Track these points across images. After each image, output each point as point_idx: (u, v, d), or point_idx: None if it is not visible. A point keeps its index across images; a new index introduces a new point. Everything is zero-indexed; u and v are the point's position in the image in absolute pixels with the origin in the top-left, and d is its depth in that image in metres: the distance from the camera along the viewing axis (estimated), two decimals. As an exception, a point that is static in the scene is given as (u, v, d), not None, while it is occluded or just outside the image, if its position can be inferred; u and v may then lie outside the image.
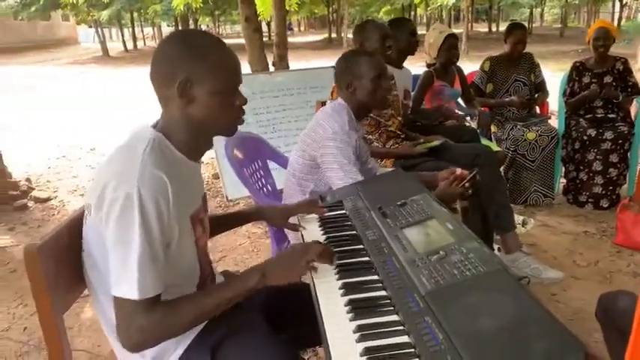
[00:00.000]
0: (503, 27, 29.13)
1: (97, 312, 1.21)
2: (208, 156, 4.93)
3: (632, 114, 3.71)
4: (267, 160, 2.35)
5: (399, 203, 1.41)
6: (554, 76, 7.03)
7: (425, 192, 1.46)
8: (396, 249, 1.19)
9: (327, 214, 1.52)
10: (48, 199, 4.28)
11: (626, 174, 3.57)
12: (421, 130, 2.94)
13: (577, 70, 3.74)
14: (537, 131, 3.52)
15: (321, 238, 1.38)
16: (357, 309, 1.02)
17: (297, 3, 6.66)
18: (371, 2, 29.23)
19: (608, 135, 3.42)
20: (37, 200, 4.23)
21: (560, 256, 2.93)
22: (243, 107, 1.20)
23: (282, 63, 4.47)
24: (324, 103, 2.61)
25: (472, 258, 1.06)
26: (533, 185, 3.61)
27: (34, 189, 4.49)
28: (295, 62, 5.60)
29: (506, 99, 3.68)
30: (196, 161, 1.23)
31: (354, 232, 1.38)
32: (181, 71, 1.10)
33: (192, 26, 33.20)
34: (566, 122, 3.71)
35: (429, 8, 18.27)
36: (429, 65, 3.53)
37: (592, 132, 3.47)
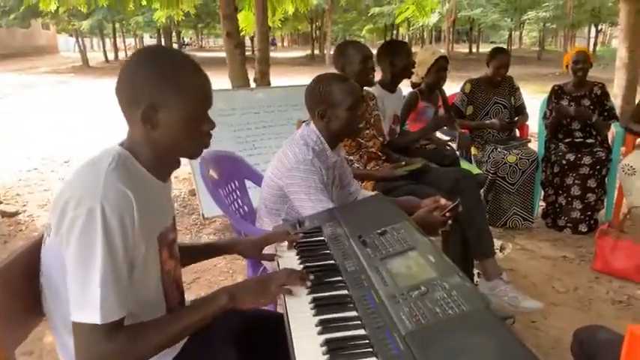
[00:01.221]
0: (483, 48, 29.76)
1: (56, 342, 1.12)
2: (185, 171, 4.83)
3: (610, 139, 3.75)
4: (245, 180, 2.28)
5: (379, 231, 1.36)
6: (533, 98, 7.12)
7: (406, 220, 1.41)
8: (376, 282, 1.13)
9: (304, 239, 1.46)
10: (16, 214, 4.12)
11: (603, 199, 3.59)
12: (403, 152, 2.91)
13: (556, 94, 3.78)
14: (518, 154, 3.52)
15: (298, 268, 1.31)
16: (334, 350, 0.95)
17: (280, 20, 6.64)
18: (353, 20, 29.56)
19: (587, 160, 3.44)
20: (4, 214, 4.07)
21: (539, 282, 2.91)
22: (211, 131, 1.16)
23: (263, 79, 4.42)
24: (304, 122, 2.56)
25: (455, 295, 1.01)
26: (512, 208, 3.60)
27: (1, 202, 4.32)
28: (277, 78, 5.56)
29: (487, 121, 3.69)
30: (164, 181, 1.17)
31: (333, 261, 1.32)
32: (146, 97, 1.04)
33: (175, 39, 33.15)
34: (545, 146, 3.73)
35: (411, 28, 18.52)
36: (414, 85, 3.52)
37: (571, 156, 3.48)
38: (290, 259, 1.38)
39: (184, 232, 3.66)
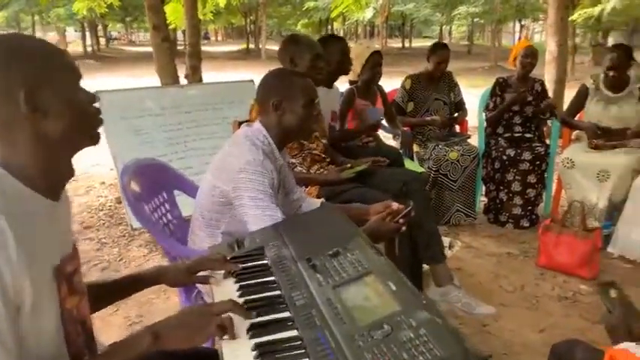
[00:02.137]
0: (416, 43, 30.43)
1: None
2: (112, 176, 4.47)
3: (546, 134, 3.80)
4: (174, 190, 2.03)
5: (330, 253, 1.19)
6: (466, 92, 7.25)
7: (359, 236, 1.25)
8: (331, 319, 0.96)
9: (246, 264, 1.27)
10: None
11: (543, 194, 3.63)
12: (345, 152, 2.76)
13: (500, 86, 3.77)
14: (459, 151, 3.48)
15: (238, 301, 1.12)
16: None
17: (212, 12, 6.33)
18: (288, 15, 29.30)
19: (526, 155, 3.45)
20: None
21: (485, 280, 2.86)
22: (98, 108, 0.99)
23: (195, 75, 4.15)
24: (242, 123, 2.35)
25: (424, 335, 0.85)
26: (455, 205, 3.56)
27: None
28: (211, 73, 5.29)
29: (428, 118, 3.62)
30: (55, 199, 0.95)
31: (279, 292, 1.13)
32: (19, 82, 0.86)
33: (100, 33, 31.48)
34: (486, 141, 3.71)
35: (346, 23, 18.54)
36: (351, 82, 3.38)
37: (511, 152, 3.48)
38: (227, 289, 1.19)
39: (112, 245, 3.34)
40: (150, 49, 4.40)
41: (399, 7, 16.76)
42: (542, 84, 3.75)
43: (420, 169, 3.16)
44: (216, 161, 1.70)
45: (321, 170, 2.38)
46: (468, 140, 3.67)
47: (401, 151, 3.41)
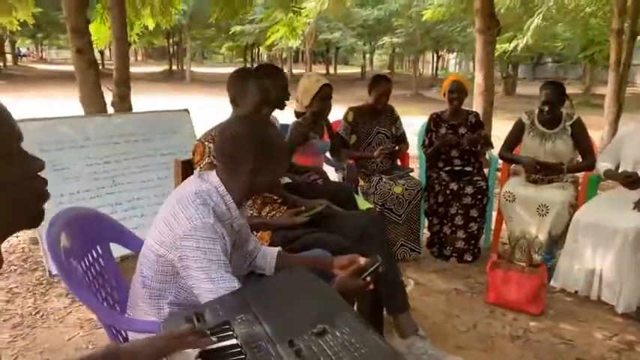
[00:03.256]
0: (340, 70, 31.10)
1: None
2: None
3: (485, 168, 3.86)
4: (110, 244, 1.76)
5: (315, 331, 1.02)
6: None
7: (347, 309, 1.09)
8: None
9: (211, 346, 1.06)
10: None
11: (484, 227, 3.66)
12: (293, 191, 2.59)
13: (434, 122, 3.80)
14: (403, 185, 3.43)
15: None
16: None
17: (137, 34, 6.00)
18: (212, 37, 28.92)
19: (469, 190, 3.47)
20: None
21: (439, 321, 2.79)
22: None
23: (123, 104, 3.82)
24: (185, 164, 2.13)
25: None
26: (400, 240, 3.50)
27: None
28: (138, 97, 4.94)
29: (375, 152, 3.55)
30: None
31: (259, 387, 0.95)
32: None
33: (8, 49, 29.32)
34: (427, 175, 3.71)
35: (274, 48, 18.58)
36: (297, 114, 3.25)
37: (454, 186, 3.48)
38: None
39: (25, 295, 2.93)
40: (64, 67, 4.02)
41: (325, 35, 17.05)
42: (477, 116, 3.83)
43: (368, 205, 3.06)
44: (160, 221, 1.46)
45: (273, 213, 2.21)
46: (411, 174, 3.64)
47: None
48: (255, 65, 2.88)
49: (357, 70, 28.79)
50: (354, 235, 2.06)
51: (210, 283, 1.33)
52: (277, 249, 1.77)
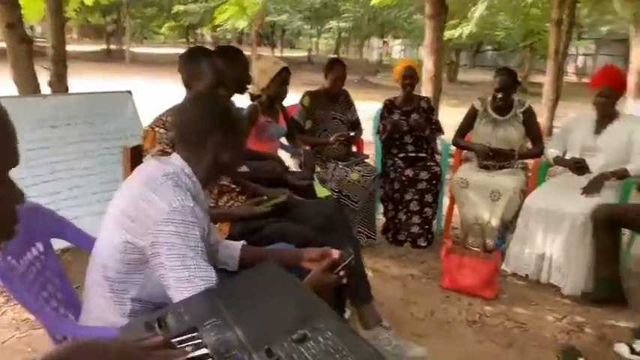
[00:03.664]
0: (286, 53, 30.68)
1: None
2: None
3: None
4: (51, 239, 1.58)
5: (295, 337, 0.94)
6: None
7: (328, 311, 1.02)
8: None
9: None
10: None
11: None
12: (251, 178, 2.48)
13: (387, 108, 3.79)
14: (360, 172, 3.39)
15: None
16: None
17: (75, 10, 5.60)
18: (153, 16, 27.75)
19: (424, 175, 3.48)
20: None
21: (397, 308, 2.78)
22: None
23: (61, 84, 3.54)
24: (135, 150, 1.97)
25: None
26: (356, 227, 3.46)
27: None
28: (75, 78, 4.62)
29: (331, 138, 3.48)
30: None
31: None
32: None
33: None
34: (382, 161, 3.68)
35: (218, 29, 18.04)
36: (252, 98, 3.12)
37: (410, 172, 3.48)
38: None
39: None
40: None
41: (272, 17, 16.73)
42: (429, 101, 3.85)
43: (326, 193, 3.00)
44: (123, 206, 1.33)
45: (232, 202, 2.10)
46: (366, 160, 3.60)
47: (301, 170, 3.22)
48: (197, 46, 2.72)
49: (304, 53, 28.53)
50: (318, 225, 1.99)
51: (185, 270, 1.22)
52: (241, 242, 1.67)
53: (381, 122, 3.78)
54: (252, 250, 1.65)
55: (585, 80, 20.61)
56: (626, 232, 3.06)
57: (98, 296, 1.37)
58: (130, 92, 3.70)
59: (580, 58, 25.05)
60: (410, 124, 3.64)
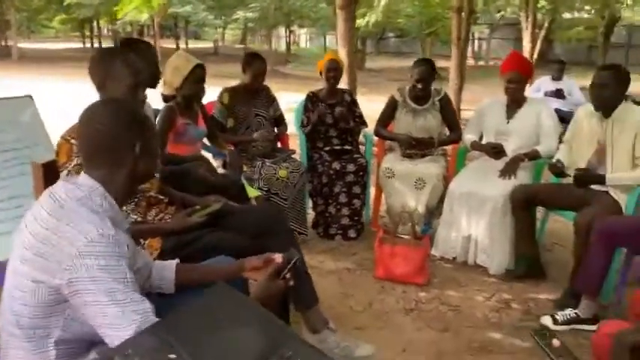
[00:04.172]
0: (191, 44, 29.64)
1: None
2: None
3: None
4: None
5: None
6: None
7: (291, 334, 0.96)
8: None
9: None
10: None
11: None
12: (176, 187, 2.32)
13: (311, 101, 3.76)
14: (288, 168, 3.33)
15: None
16: None
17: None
18: (42, 8, 25.62)
19: (351, 167, 3.49)
20: None
21: (336, 303, 2.78)
22: None
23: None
24: (48, 167, 1.77)
25: None
26: (288, 224, 3.41)
27: None
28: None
29: (255, 134, 3.38)
30: None
31: None
32: None
33: None
34: (309, 155, 3.65)
35: (118, 21, 17.01)
36: (166, 99, 2.94)
37: (337, 165, 3.48)
38: None
39: None
40: None
41: (175, 8, 16.04)
42: (351, 94, 3.88)
43: (256, 193, 2.91)
44: (31, 241, 1.16)
45: (161, 215, 1.95)
46: (293, 156, 3.55)
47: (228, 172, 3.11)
48: (100, 43, 2.50)
49: (210, 44, 27.74)
50: (256, 231, 1.92)
51: (116, 307, 1.09)
52: (175, 262, 1.54)
53: (305, 115, 3.74)
54: (188, 268, 1.54)
55: (482, 63, 21.98)
56: (540, 210, 3.26)
57: (15, 349, 1.20)
58: (30, 97, 3.34)
59: (476, 43, 26.55)
60: (335, 116, 3.64)
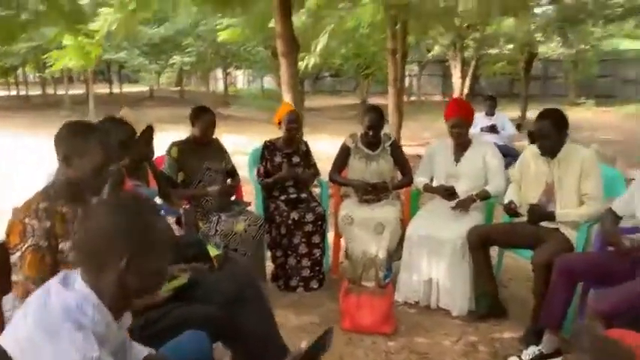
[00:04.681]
0: (126, 88, 28.97)
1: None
2: None
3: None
4: None
5: None
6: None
7: None
8: None
9: None
10: None
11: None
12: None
13: (268, 150, 3.73)
14: (245, 221, 3.26)
15: None
16: None
17: None
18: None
19: (309, 217, 3.47)
20: None
21: (306, 361, 2.69)
22: None
23: None
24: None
25: None
26: (246, 279, 3.31)
27: None
28: None
29: (209, 189, 3.29)
30: None
31: None
32: None
33: None
34: (264, 206, 3.60)
35: (47, 71, 16.38)
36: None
37: (295, 215, 3.45)
38: None
39: None
40: None
41: (109, 54, 15.68)
42: (307, 144, 3.87)
43: (216, 252, 2.80)
44: (17, 337, 1.06)
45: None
46: (249, 208, 3.48)
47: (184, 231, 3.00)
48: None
49: (145, 88, 27.26)
50: (227, 300, 1.83)
51: None
52: (147, 350, 1.43)
53: (261, 164, 3.70)
54: None
55: (414, 99, 22.86)
56: (495, 248, 3.34)
57: None
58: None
59: (406, 80, 27.68)
60: (293, 165, 3.63)
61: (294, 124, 3.65)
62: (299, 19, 8.94)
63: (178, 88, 28.37)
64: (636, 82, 20.40)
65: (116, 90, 28.32)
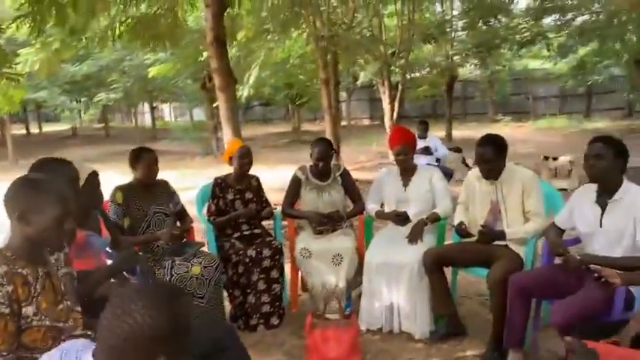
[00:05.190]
0: (47, 127, 27.48)
1: None
2: None
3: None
4: None
5: None
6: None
7: None
8: None
9: None
10: None
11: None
12: (89, 310, 2.07)
13: (219, 187, 3.67)
14: (201, 263, 3.16)
15: None
16: None
17: None
18: None
19: (266, 252, 3.43)
20: None
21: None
22: None
23: None
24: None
25: None
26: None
27: None
28: None
29: (159, 233, 3.17)
30: None
31: None
32: None
33: None
34: (218, 245, 3.52)
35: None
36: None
37: (252, 252, 3.39)
38: None
39: None
40: None
41: (28, 94, 14.83)
42: (258, 179, 3.84)
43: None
44: None
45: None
46: (203, 249, 3.39)
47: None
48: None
49: (66, 126, 26.01)
50: (204, 351, 1.76)
51: None
52: None
53: (213, 202, 3.63)
54: None
55: (344, 123, 23.36)
56: (449, 269, 3.45)
57: None
58: None
59: (336, 105, 28.31)
60: (245, 202, 3.61)
61: (246, 159, 3.62)
62: (230, 51, 8.95)
63: (102, 125, 27.32)
64: (545, 99, 22.14)
65: (35, 130, 26.83)
